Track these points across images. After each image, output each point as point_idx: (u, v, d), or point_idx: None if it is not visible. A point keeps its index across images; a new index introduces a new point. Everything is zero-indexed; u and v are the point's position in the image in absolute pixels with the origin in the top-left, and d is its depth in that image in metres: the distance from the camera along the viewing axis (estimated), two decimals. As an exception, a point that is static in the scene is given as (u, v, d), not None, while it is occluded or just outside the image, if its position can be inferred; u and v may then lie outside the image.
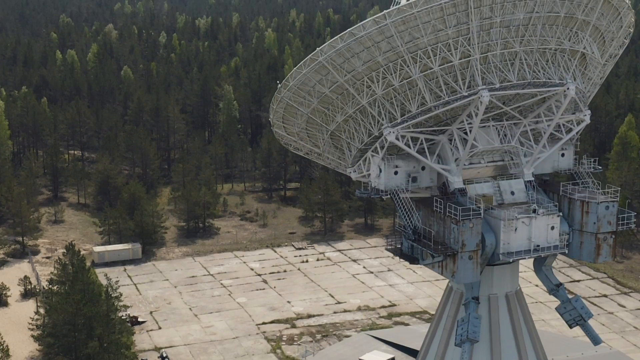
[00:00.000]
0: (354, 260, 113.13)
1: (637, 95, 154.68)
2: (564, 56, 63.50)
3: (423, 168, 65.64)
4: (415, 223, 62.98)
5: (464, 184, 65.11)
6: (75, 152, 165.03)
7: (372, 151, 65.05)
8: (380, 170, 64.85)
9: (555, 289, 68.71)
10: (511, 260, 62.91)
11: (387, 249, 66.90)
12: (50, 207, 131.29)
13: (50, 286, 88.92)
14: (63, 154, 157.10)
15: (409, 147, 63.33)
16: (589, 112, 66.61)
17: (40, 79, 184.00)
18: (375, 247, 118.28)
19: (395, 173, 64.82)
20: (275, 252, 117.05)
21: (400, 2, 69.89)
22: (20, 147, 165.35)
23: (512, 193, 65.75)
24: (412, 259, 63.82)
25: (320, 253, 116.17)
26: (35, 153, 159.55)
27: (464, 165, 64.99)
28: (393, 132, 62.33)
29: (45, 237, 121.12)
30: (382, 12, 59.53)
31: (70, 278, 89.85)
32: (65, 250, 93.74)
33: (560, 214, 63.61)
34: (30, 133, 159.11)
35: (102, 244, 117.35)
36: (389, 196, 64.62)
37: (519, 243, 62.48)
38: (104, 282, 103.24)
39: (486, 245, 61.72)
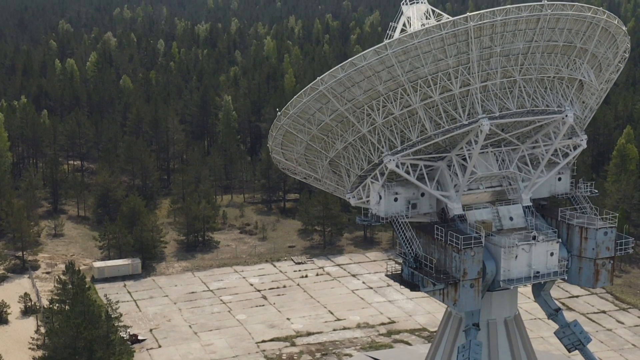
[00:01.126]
0: (354, 275, 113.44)
1: (635, 106, 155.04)
2: (562, 83, 63.94)
3: (422, 194, 66.06)
4: (417, 251, 63.30)
5: (463, 210, 65.57)
6: (75, 163, 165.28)
7: (372, 178, 65.48)
8: (380, 197, 65.24)
9: (554, 313, 69.25)
10: (511, 287, 63.43)
11: (386, 275, 67.27)
12: (50, 221, 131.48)
13: (51, 305, 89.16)
14: (62, 164, 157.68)
15: (409, 174, 63.78)
16: (586, 137, 67.11)
17: (40, 89, 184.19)
18: (374, 261, 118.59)
19: (395, 200, 65.24)
20: (275, 266, 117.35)
21: (396, 27, 70.55)
22: (20, 157, 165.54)
23: (511, 219, 66.17)
24: (413, 286, 64.14)
25: (320, 268, 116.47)
26: (35, 164, 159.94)
27: (463, 191, 65.44)
28: (393, 160, 62.75)
29: (45, 252, 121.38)
30: (383, 43, 59.92)
31: (70, 297, 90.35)
32: (65, 269, 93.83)
33: (559, 240, 64.06)
34: (29, 144, 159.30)
35: (102, 259, 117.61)
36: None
37: (519, 270, 62.90)
38: (104, 299, 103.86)
39: (487, 272, 62.12)
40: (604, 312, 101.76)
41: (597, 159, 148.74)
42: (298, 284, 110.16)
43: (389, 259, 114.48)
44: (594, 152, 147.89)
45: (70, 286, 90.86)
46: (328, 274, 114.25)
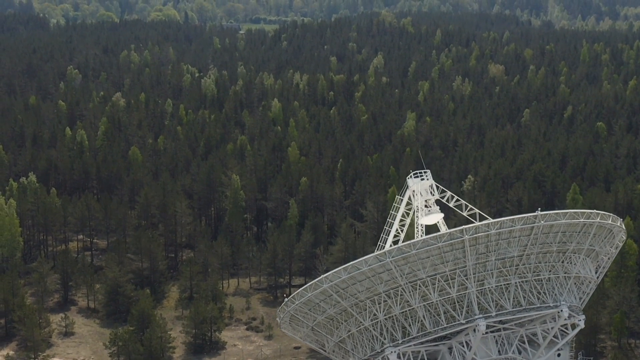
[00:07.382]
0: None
1: (635, 192, 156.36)
2: (558, 278, 66.36)
3: (423, 379, 68.58)
4: None
5: (463, 393, 67.98)
6: (85, 241, 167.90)
7: (375, 363, 68.06)
8: (383, 383, 67.73)
9: None
10: None
11: None
12: (61, 316, 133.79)
13: None
14: (72, 240, 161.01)
15: (410, 362, 66.37)
16: (583, 317, 69.57)
17: (49, 163, 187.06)
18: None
19: (397, 386, 67.70)
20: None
21: (402, 200, 73.10)
22: (30, 234, 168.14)
23: (510, 402, 68.60)
24: None
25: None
26: (45, 243, 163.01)
27: (463, 374, 67.89)
28: (394, 352, 65.39)
29: (56, 355, 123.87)
30: (383, 250, 62.65)
31: None
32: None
33: None
34: (40, 228, 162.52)
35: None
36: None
37: None
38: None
39: None
40: None
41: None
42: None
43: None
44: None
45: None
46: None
